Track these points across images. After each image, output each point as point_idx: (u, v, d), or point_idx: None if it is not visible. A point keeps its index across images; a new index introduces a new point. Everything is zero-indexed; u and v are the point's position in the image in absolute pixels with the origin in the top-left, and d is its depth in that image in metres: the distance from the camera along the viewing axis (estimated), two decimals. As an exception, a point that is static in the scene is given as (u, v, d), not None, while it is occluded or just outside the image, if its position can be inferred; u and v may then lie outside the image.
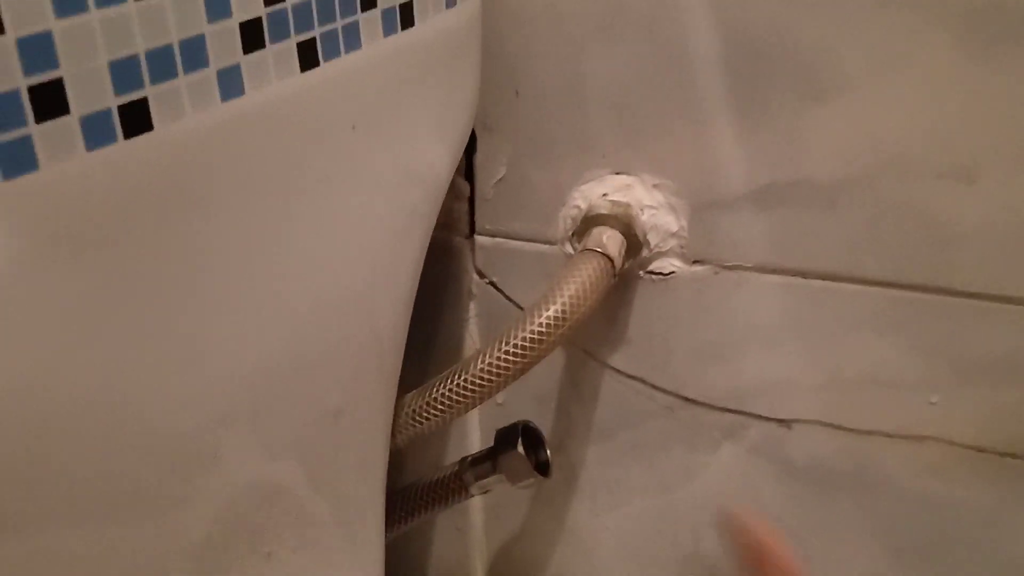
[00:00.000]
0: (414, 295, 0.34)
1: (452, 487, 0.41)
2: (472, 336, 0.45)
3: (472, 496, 0.41)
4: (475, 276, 0.43)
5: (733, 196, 0.37)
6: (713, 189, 0.37)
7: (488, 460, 0.40)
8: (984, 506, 0.39)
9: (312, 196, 0.26)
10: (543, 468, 0.40)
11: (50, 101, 0.18)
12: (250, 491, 0.28)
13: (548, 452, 0.40)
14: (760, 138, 0.35)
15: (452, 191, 0.40)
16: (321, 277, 0.28)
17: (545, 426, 0.46)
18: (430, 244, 0.36)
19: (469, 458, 0.40)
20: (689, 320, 0.40)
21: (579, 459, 0.46)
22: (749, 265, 0.38)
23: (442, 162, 0.32)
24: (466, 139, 0.35)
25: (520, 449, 0.39)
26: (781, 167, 0.35)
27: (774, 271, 0.37)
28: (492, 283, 0.43)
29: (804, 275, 0.37)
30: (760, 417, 0.41)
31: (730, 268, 0.38)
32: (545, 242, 0.40)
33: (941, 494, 0.39)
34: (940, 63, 0.32)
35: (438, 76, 0.30)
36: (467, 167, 0.40)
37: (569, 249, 0.39)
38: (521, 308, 0.43)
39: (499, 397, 0.46)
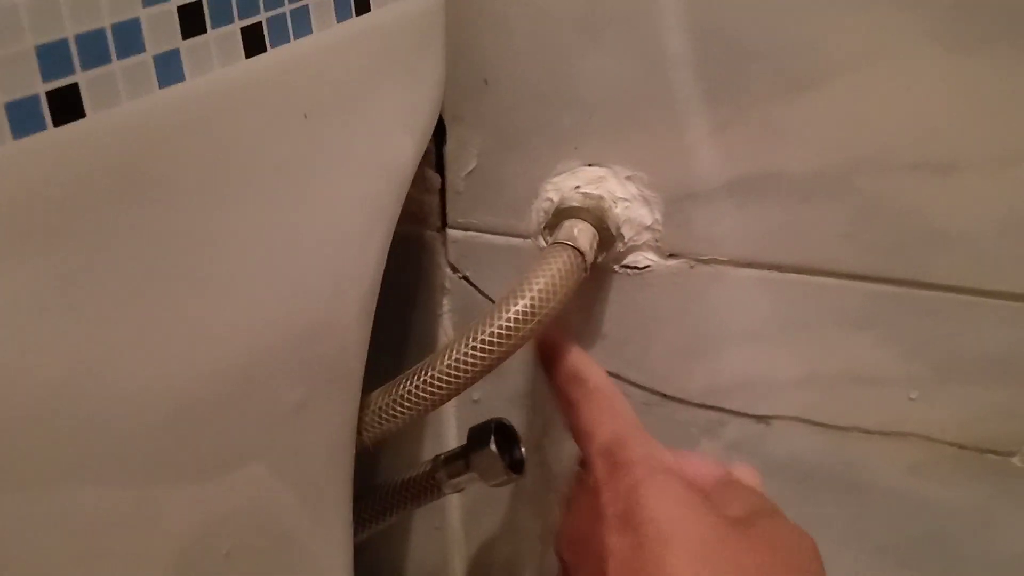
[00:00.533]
0: (378, 287, 0.33)
1: (425, 486, 0.40)
2: (446, 331, 0.44)
3: (445, 495, 0.40)
4: (448, 270, 0.42)
5: (708, 188, 0.36)
6: (688, 181, 0.36)
7: (461, 458, 0.39)
8: (964, 503, 0.38)
9: (264, 186, 0.26)
10: (517, 466, 0.39)
11: (-29, 86, 0.18)
12: (209, 486, 0.28)
13: (523, 450, 0.39)
14: (735, 130, 0.35)
15: (423, 183, 0.40)
16: (279, 268, 0.27)
17: (521, 424, 0.45)
18: (401, 238, 0.35)
19: (442, 456, 0.40)
20: (665, 315, 0.39)
21: (556, 457, 0.45)
22: (725, 259, 0.37)
23: (405, 152, 0.32)
24: (431, 129, 0.34)
25: (493, 447, 0.38)
26: (757, 159, 0.35)
27: (750, 265, 0.37)
28: (465, 277, 0.42)
29: (780, 269, 0.36)
30: (738, 414, 0.40)
31: (706, 262, 0.37)
32: (518, 235, 0.39)
33: (922, 491, 0.39)
34: (919, 55, 0.31)
35: (398, 63, 0.29)
36: (437, 159, 0.39)
37: (542, 243, 0.38)
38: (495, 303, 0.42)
39: (475, 394, 0.45)
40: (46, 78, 0.19)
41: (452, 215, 0.40)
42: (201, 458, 0.27)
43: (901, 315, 0.35)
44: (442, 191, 0.40)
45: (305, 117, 0.25)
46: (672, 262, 0.38)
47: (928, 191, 0.33)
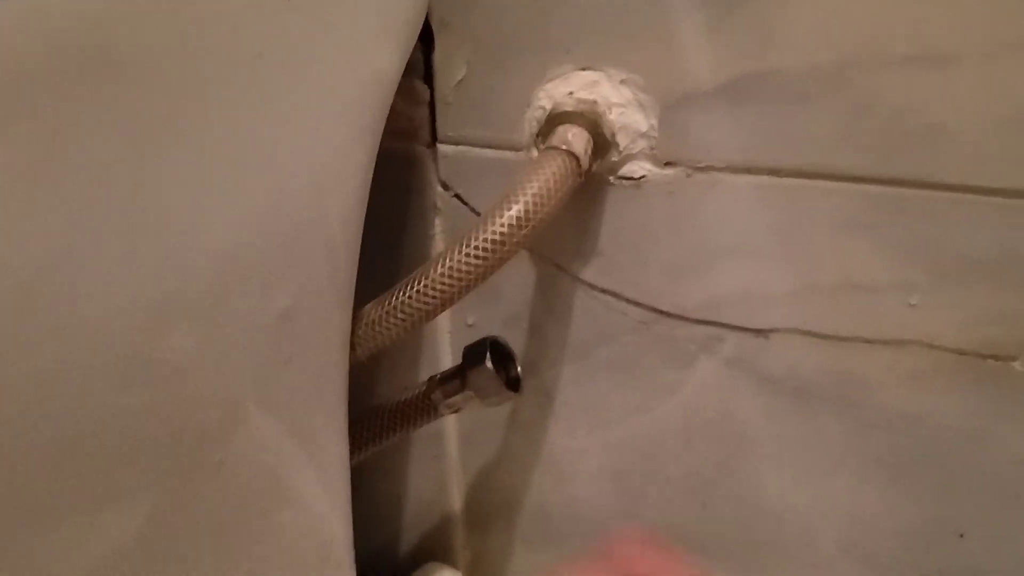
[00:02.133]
0: (365, 199, 0.32)
1: (420, 406, 0.39)
2: (439, 253, 0.43)
3: (441, 415, 0.40)
4: (439, 188, 0.41)
5: (703, 91, 0.35)
6: (682, 84, 0.35)
7: (456, 377, 0.38)
8: (966, 412, 0.38)
9: (245, 74, 0.25)
10: (514, 384, 0.39)
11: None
12: (195, 392, 0.27)
13: (519, 368, 0.39)
14: (727, 28, 0.33)
15: (411, 96, 0.38)
16: (258, 163, 0.26)
17: (517, 347, 0.45)
18: (391, 156, 0.34)
19: (437, 376, 0.39)
20: (662, 228, 0.38)
21: (553, 381, 0.45)
22: (722, 166, 0.36)
23: (388, 58, 0.30)
24: (415, 34, 0.33)
25: (489, 364, 0.37)
26: (750, 58, 0.34)
27: (747, 171, 0.36)
28: (457, 195, 0.41)
29: (777, 173, 0.35)
30: (736, 328, 0.39)
31: (702, 169, 0.36)
32: (511, 148, 0.38)
33: (923, 402, 0.38)
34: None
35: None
36: (426, 69, 0.38)
37: (535, 154, 0.37)
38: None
39: (469, 318, 0.44)
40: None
41: (442, 129, 0.39)
42: (186, 362, 0.26)
43: (899, 218, 0.35)
44: (431, 103, 0.39)
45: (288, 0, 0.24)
46: (668, 171, 0.37)
47: (923, 86, 0.32)
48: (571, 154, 0.33)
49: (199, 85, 0.23)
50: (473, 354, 0.38)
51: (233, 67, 0.24)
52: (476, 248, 0.32)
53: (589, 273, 0.41)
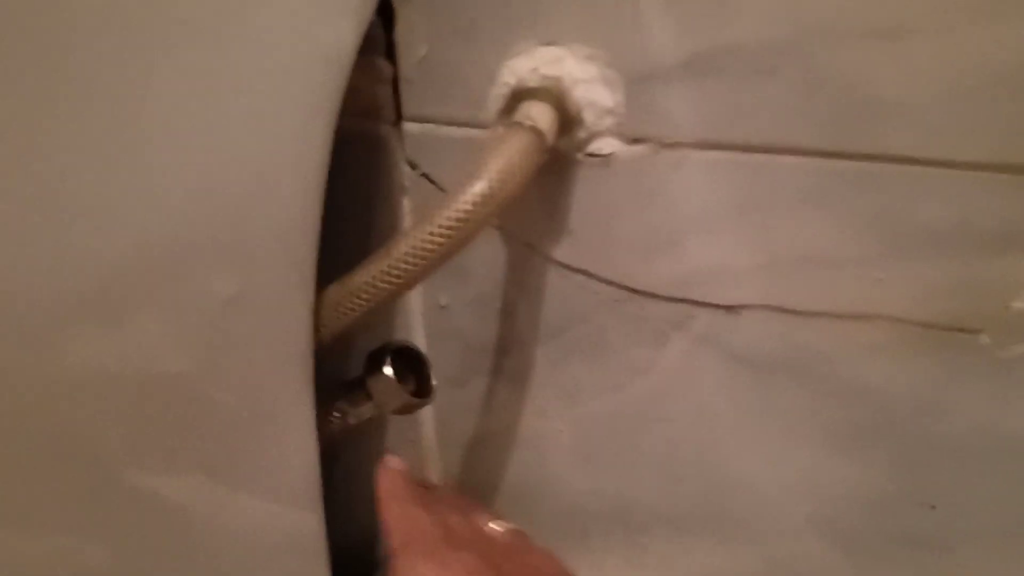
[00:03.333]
0: (323, 181, 0.31)
1: (326, 417, 0.38)
2: (407, 234, 0.43)
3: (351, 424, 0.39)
4: (406, 168, 0.41)
5: (667, 67, 0.34)
6: (646, 60, 0.35)
7: (360, 387, 0.37)
8: (934, 387, 0.38)
9: (190, 45, 0.24)
10: (423, 391, 0.38)
11: None
12: (142, 385, 0.27)
13: (431, 373, 0.38)
14: (687, 1, 0.33)
15: (373, 73, 0.38)
16: (198, 137, 0.26)
17: (490, 329, 0.45)
18: (356, 136, 0.33)
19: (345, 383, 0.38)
20: (631, 205, 0.38)
21: (527, 363, 0.45)
22: (689, 142, 0.36)
23: (342, 32, 0.30)
24: (373, 6, 0.32)
25: (389, 371, 0.36)
26: (710, 32, 0.33)
27: (714, 147, 0.36)
28: (425, 175, 0.40)
29: (741, 148, 0.35)
30: (707, 305, 0.39)
31: (670, 146, 0.36)
32: (477, 126, 0.38)
33: (891, 377, 0.38)
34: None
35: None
36: (387, 45, 0.37)
37: (500, 131, 0.37)
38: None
39: (442, 299, 0.44)
40: None
41: (407, 107, 0.39)
42: (121, 354, 0.26)
43: (859, 191, 0.34)
44: (395, 81, 0.38)
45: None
46: (636, 148, 0.37)
47: (880, 58, 0.32)
48: (536, 130, 0.33)
49: (125, 54, 0.22)
50: (373, 361, 0.37)
51: (176, 37, 0.23)
52: (440, 226, 0.31)
53: (560, 252, 0.40)
